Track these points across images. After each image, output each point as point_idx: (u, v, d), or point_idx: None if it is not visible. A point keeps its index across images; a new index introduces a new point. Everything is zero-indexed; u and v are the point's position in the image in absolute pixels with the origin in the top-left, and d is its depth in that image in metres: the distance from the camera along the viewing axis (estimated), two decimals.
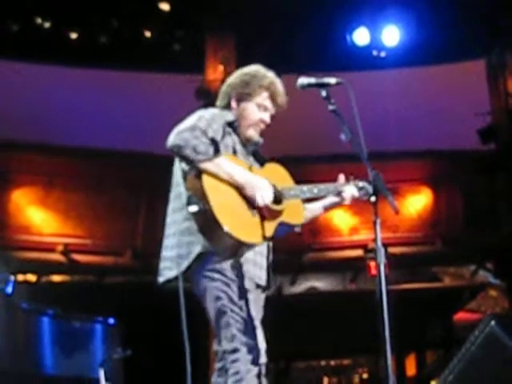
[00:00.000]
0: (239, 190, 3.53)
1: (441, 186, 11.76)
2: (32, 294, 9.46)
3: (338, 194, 4.07)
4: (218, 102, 3.92)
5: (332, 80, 3.52)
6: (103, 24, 11.31)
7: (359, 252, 11.33)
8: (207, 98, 10.46)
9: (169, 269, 3.65)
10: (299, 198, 3.86)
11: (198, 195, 3.44)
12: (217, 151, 3.51)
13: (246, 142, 3.85)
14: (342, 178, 4.10)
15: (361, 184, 4.10)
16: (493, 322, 4.71)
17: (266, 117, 3.88)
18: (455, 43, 11.13)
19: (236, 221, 3.44)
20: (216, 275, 3.56)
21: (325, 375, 14.21)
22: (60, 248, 10.84)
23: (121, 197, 11.29)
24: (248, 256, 3.63)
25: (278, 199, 3.67)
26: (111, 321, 8.62)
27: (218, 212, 3.37)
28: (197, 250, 3.55)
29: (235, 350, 3.50)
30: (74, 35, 11.18)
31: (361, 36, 11.31)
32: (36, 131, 10.91)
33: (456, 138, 11.02)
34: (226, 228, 3.36)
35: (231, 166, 3.53)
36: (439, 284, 12.95)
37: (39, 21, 10.99)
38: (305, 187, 3.86)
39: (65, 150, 11.26)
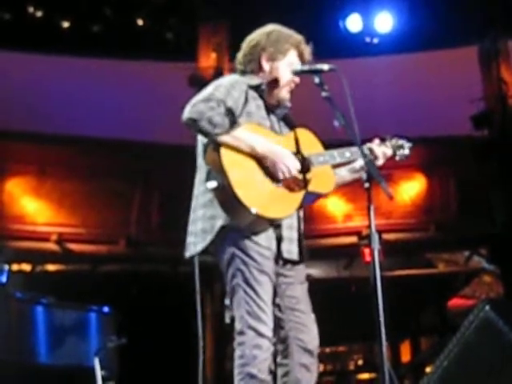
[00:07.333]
0: (260, 162, 3.40)
1: (434, 172, 11.77)
2: (26, 284, 9.44)
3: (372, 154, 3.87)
4: (242, 67, 3.76)
5: (325, 66, 3.50)
6: (95, 12, 11.27)
7: (353, 239, 11.31)
8: (200, 85, 10.43)
9: (194, 244, 3.52)
10: (330, 164, 3.67)
11: (216, 170, 3.34)
12: (234, 122, 3.37)
13: (275, 105, 3.70)
14: (376, 140, 3.95)
15: (400, 142, 4.00)
16: (487, 308, 4.74)
17: (296, 77, 3.71)
18: (448, 29, 11.10)
19: (257, 195, 3.34)
20: (237, 252, 3.43)
21: (320, 362, 14.21)
22: (54, 237, 10.82)
23: (114, 185, 11.25)
24: (274, 231, 3.49)
25: (305, 167, 3.51)
26: (106, 309, 8.60)
27: (238, 187, 3.26)
28: (219, 223, 3.41)
29: (241, 333, 3.40)
30: (66, 24, 11.15)
31: (353, 22, 11.27)
32: (28, 120, 10.87)
33: (449, 124, 11.02)
34: (246, 204, 3.25)
35: (251, 136, 3.40)
36: (433, 270, 12.95)
37: (31, 10, 10.96)
38: (335, 152, 3.66)
39: (58, 138, 11.22)
